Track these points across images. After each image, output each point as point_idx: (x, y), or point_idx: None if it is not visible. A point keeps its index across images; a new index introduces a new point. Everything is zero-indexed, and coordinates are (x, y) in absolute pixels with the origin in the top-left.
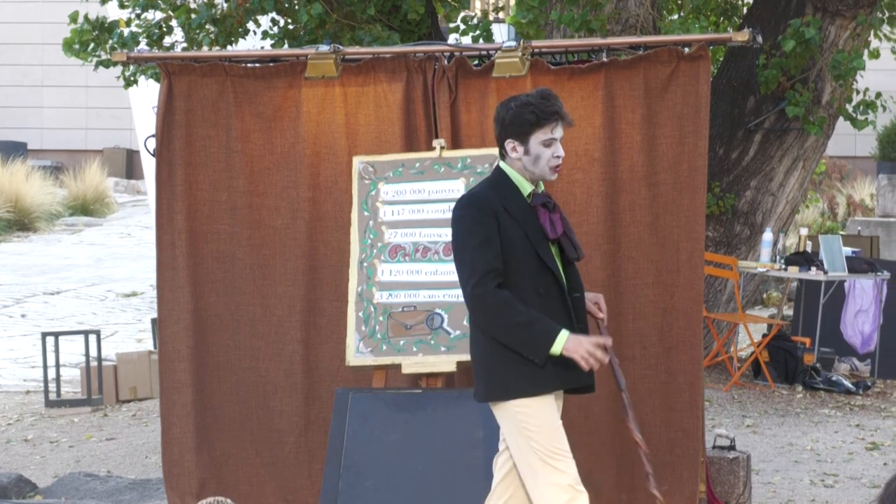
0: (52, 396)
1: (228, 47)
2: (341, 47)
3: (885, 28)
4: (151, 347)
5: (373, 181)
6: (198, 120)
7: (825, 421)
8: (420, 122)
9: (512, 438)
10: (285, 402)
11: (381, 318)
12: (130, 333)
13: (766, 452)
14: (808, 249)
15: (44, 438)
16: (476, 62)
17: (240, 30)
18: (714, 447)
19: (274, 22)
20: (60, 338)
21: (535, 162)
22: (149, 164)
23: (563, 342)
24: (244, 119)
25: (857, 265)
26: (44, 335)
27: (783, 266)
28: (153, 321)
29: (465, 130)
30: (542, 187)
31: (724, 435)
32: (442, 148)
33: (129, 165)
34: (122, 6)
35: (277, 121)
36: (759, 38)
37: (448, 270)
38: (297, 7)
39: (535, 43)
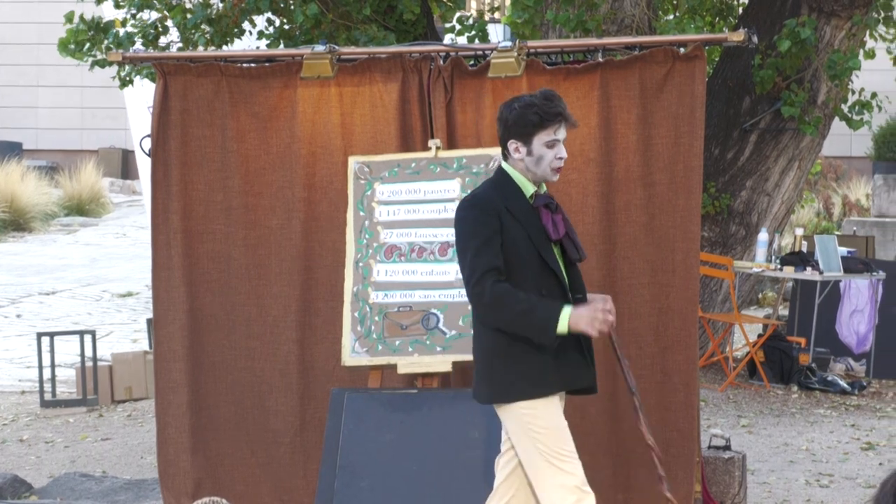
0: (48, 397)
1: (224, 47)
2: (337, 47)
3: (881, 28)
4: (147, 347)
5: (368, 181)
6: (193, 120)
7: (821, 421)
8: (416, 123)
9: (518, 440)
10: (281, 402)
11: (376, 319)
12: (126, 333)
13: (761, 452)
14: (804, 249)
15: (39, 439)
16: (472, 62)
17: (235, 30)
18: (709, 447)
19: (269, 22)
20: (56, 338)
21: (537, 163)
22: (144, 165)
23: (567, 319)
24: (240, 119)
25: (853, 265)
26: (39, 335)
27: (779, 266)
28: (148, 321)
29: (461, 130)
30: (544, 188)
31: (719, 435)
32: (438, 148)
33: (124, 165)
34: (117, 6)
35: (273, 121)
36: (755, 39)
37: (444, 271)
38: (292, 7)
39: (530, 43)
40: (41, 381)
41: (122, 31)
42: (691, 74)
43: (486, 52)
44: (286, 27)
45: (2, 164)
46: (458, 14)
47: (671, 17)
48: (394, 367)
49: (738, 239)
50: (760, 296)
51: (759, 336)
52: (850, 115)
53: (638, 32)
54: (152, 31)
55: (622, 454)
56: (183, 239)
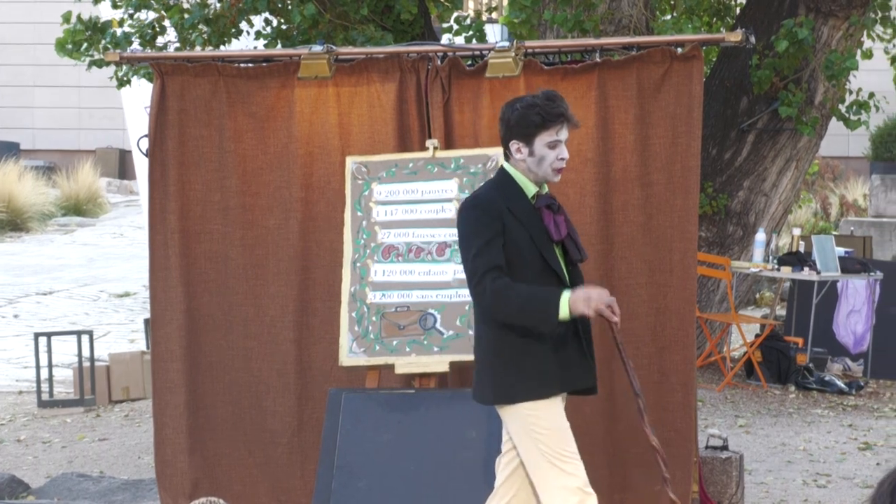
0: (45, 397)
1: (221, 47)
2: (334, 47)
3: (878, 28)
4: (144, 348)
5: (366, 181)
6: (190, 120)
7: (818, 421)
8: (413, 123)
9: (520, 441)
10: (278, 402)
11: (374, 319)
12: (123, 334)
13: (758, 452)
14: (801, 249)
15: (36, 439)
16: (469, 62)
17: (233, 30)
18: (707, 447)
19: (267, 22)
20: (53, 338)
21: (539, 163)
22: (141, 165)
23: (567, 304)
24: (237, 119)
25: (850, 265)
26: (36, 335)
27: (776, 266)
28: (146, 321)
29: (459, 131)
30: (546, 188)
31: (716, 435)
32: (435, 148)
33: (121, 166)
34: (114, 6)
35: (270, 121)
36: (752, 39)
37: (441, 271)
38: (290, 7)
39: (528, 43)
40: (38, 382)
41: (119, 31)
42: (689, 74)
43: (484, 52)
44: (283, 27)
45: None
46: (455, 14)
47: (669, 17)
48: (391, 367)
49: (736, 239)
50: (758, 296)
51: (757, 336)
52: (847, 116)
53: (635, 32)
54: (149, 31)
55: (618, 454)
56: (180, 239)
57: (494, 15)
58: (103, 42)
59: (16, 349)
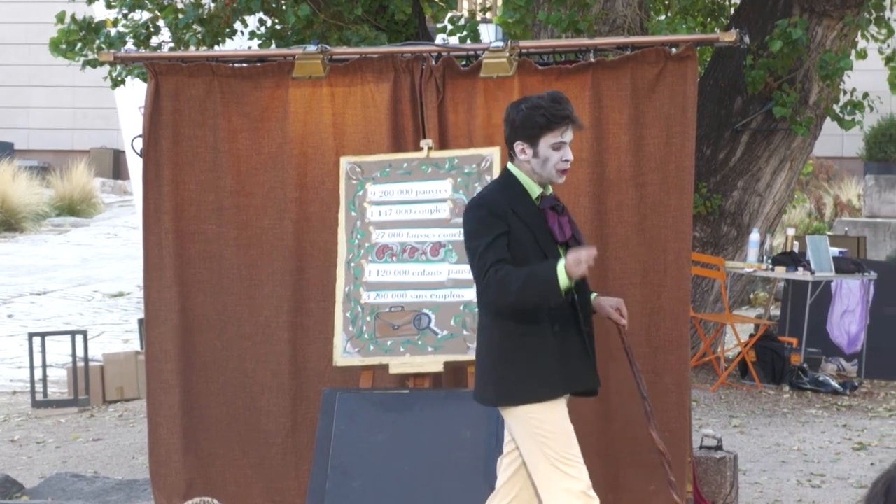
0: (39, 397)
1: (216, 47)
2: (329, 47)
3: (872, 28)
4: (138, 348)
5: (360, 181)
6: (185, 120)
7: (812, 421)
8: (407, 123)
9: (524, 443)
10: (272, 402)
11: (368, 319)
12: (117, 334)
13: (753, 452)
14: (795, 250)
15: (30, 439)
16: (463, 62)
17: (227, 30)
18: (701, 447)
19: (261, 22)
20: (47, 338)
21: (543, 164)
22: (135, 165)
23: (564, 272)
24: (231, 119)
25: (844, 265)
26: (30, 335)
27: (770, 266)
28: (140, 321)
29: (453, 131)
30: (550, 189)
31: (711, 435)
32: (429, 148)
33: (115, 166)
34: (108, 6)
35: (265, 121)
36: (747, 39)
37: (435, 271)
38: (284, 7)
39: (522, 43)
40: (32, 382)
41: (113, 31)
42: (683, 75)
43: (478, 52)
44: (278, 27)
45: None
46: (449, 14)
47: (663, 17)
48: (385, 367)
49: (730, 239)
50: (752, 296)
51: (751, 336)
52: (841, 116)
53: (630, 33)
54: (144, 31)
55: (612, 454)
56: (174, 239)
57: (489, 15)
58: (97, 42)
59: (10, 349)
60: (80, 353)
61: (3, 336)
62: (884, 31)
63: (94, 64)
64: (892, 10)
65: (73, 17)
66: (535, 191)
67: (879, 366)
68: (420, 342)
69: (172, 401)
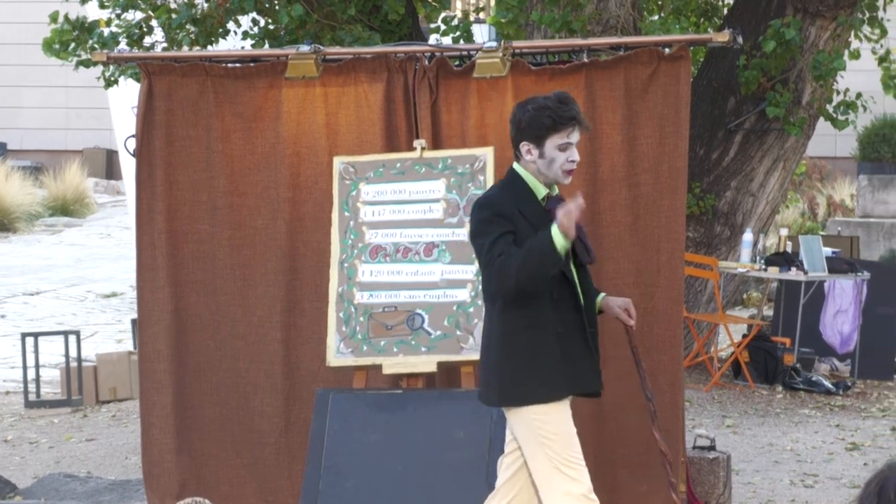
0: (32, 397)
1: (209, 47)
2: (322, 47)
3: (866, 28)
4: (131, 348)
5: (353, 181)
6: (178, 120)
7: (805, 421)
8: (401, 123)
9: (526, 444)
10: (266, 402)
11: (361, 319)
12: (110, 334)
13: (746, 453)
14: (789, 250)
15: (23, 439)
16: (457, 63)
17: (220, 30)
18: (694, 447)
19: (254, 22)
20: (40, 338)
21: (549, 165)
22: (128, 165)
23: (558, 234)
24: (224, 119)
25: (838, 265)
26: (23, 336)
27: (763, 266)
28: (133, 322)
29: (446, 131)
30: (556, 190)
31: (704, 435)
32: (423, 148)
33: (108, 166)
34: (102, 6)
35: (258, 121)
36: (740, 39)
37: (429, 271)
38: (277, 7)
39: (515, 43)
40: (25, 382)
41: (106, 31)
42: (676, 75)
43: (472, 52)
44: (271, 27)
45: None
46: (442, 14)
47: (656, 17)
48: (379, 367)
49: (723, 239)
50: (745, 296)
51: (744, 336)
52: (835, 116)
53: (623, 33)
54: (137, 31)
55: (605, 455)
56: (167, 239)
57: (482, 15)
58: (90, 42)
59: (3, 349)
60: (73, 353)
61: None
62: (877, 31)
63: (87, 64)
64: (885, 10)
65: (66, 17)
66: (540, 191)
67: (872, 366)
68: (413, 342)
69: (165, 401)
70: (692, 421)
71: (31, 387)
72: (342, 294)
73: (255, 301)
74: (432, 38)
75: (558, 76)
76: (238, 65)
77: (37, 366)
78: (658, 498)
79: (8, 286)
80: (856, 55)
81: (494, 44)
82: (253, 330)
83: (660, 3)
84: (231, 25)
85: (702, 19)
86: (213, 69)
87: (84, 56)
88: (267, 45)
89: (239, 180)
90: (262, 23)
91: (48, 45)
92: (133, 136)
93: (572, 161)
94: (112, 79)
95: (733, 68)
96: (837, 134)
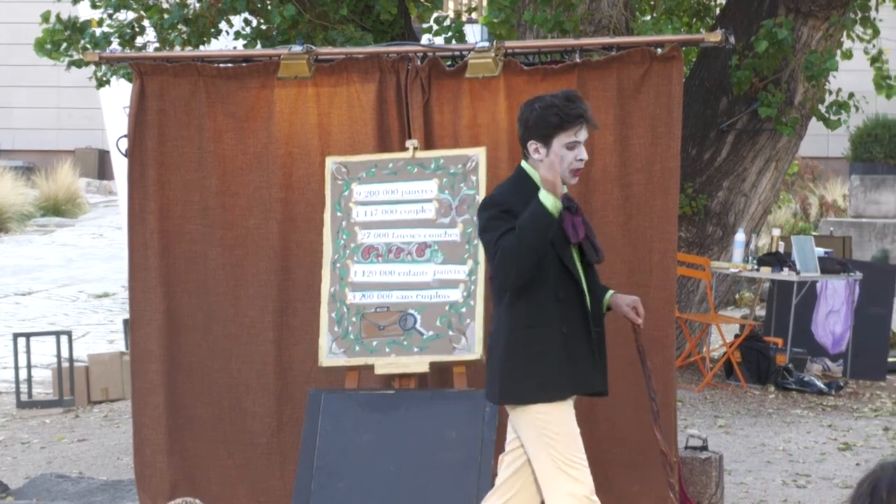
0: (24, 397)
1: (201, 47)
2: (314, 47)
3: (858, 29)
4: (123, 348)
5: (346, 182)
6: (170, 120)
7: (797, 421)
8: (393, 123)
9: (530, 443)
10: (258, 403)
11: (353, 319)
12: (102, 334)
13: (738, 453)
14: (781, 250)
15: (15, 439)
16: (449, 63)
17: (212, 30)
18: (686, 447)
19: (246, 22)
20: (32, 339)
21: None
22: (120, 165)
23: (544, 194)
24: (217, 119)
25: (830, 266)
26: (15, 336)
27: (755, 266)
28: (125, 322)
29: (439, 131)
30: (564, 189)
31: (696, 435)
32: (415, 148)
33: (100, 166)
34: (94, 6)
35: (250, 121)
36: (732, 39)
37: (421, 271)
38: (269, 7)
39: (508, 43)
40: (17, 382)
41: (98, 31)
42: (668, 75)
43: (464, 52)
44: (263, 27)
45: None
46: (435, 14)
47: (648, 17)
48: (371, 367)
49: (715, 239)
50: (737, 296)
51: (736, 336)
52: (827, 116)
53: (615, 33)
54: (129, 31)
55: (599, 454)
56: (160, 239)
57: (474, 15)
58: (82, 42)
59: None
60: (64, 353)
61: None
62: (869, 31)
63: (78, 64)
64: (877, 10)
65: (58, 17)
66: None
67: (864, 366)
68: (405, 342)
69: (157, 401)
70: (684, 421)
71: (23, 387)
72: (334, 294)
73: (248, 301)
74: (424, 39)
75: (550, 76)
76: (230, 65)
77: (28, 366)
78: (649, 498)
79: None
80: (848, 55)
81: (487, 44)
82: (245, 330)
83: (652, 3)
84: (223, 25)
85: (694, 19)
86: (205, 69)
87: (76, 56)
88: (259, 46)
89: (231, 180)
90: (255, 23)
91: (40, 45)
92: (125, 136)
93: (580, 160)
94: (104, 79)
95: (725, 68)
96: (830, 134)
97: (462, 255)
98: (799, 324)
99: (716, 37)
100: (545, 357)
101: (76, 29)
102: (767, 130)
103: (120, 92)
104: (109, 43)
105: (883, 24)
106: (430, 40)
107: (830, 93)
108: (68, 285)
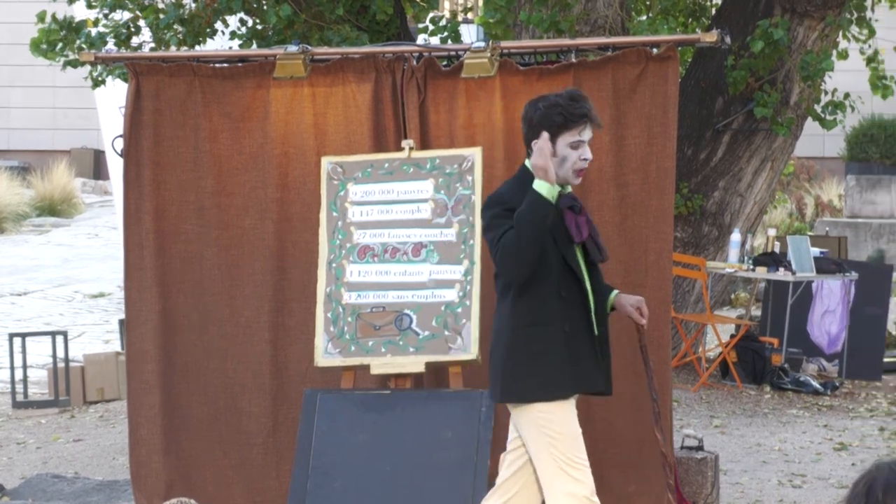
0: (20, 397)
1: (196, 47)
2: (310, 47)
3: (854, 29)
4: (119, 348)
5: (341, 182)
6: (166, 120)
7: (793, 421)
8: (389, 123)
9: (532, 443)
10: (253, 403)
11: (349, 319)
12: (98, 334)
13: (734, 453)
14: (777, 250)
15: (11, 440)
16: (445, 63)
17: (208, 30)
18: (682, 447)
19: (242, 22)
20: (28, 339)
21: (561, 164)
22: (116, 165)
23: (539, 183)
24: (212, 119)
25: (825, 266)
26: (11, 336)
27: (751, 266)
28: (120, 322)
29: (434, 131)
30: (568, 188)
31: (692, 435)
32: (411, 148)
33: (96, 166)
34: (89, 6)
35: (246, 121)
36: (728, 39)
37: (417, 271)
38: (265, 7)
39: (503, 43)
40: (13, 382)
41: (94, 31)
42: (664, 75)
43: (460, 52)
44: (259, 27)
45: None
46: (431, 14)
47: (644, 17)
48: (367, 367)
49: (711, 239)
50: (733, 296)
51: (732, 336)
52: (823, 116)
53: (611, 33)
54: (124, 31)
55: (595, 454)
56: (155, 239)
57: (470, 15)
58: (78, 42)
59: None
60: (60, 353)
61: None
62: (865, 31)
63: (74, 64)
64: (873, 10)
65: (53, 17)
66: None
67: (860, 366)
68: (401, 342)
69: (153, 401)
70: (680, 421)
71: (19, 387)
72: (330, 294)
73: (243, 301)
74: (420, 39)
75: (546, 76)
76: (226, 65)
77: (24, 366)
78: (646, 498)
79: None
80: (844, 55)
81: (482, 44)
82: (241, 330)
83: (648, 3)
84: (219, 25)
85: (690, 19)
86: (200, 69)
87: (72, 56)
88: (255, 46)
89: (227, 180)
90: (250, 23)
91: (35, 45)
92: (121, 136)
93: (584, 159)
94: (99, 79)
95: (721, 68)
96: (825, 134)
97: (458, 255)
98: (795, 324)
99: (711, 37)
100: (547, 356)
101: (72, 29)
102: (763, 130)
103: (115, 92)
104: (105, 43)
105: (879, 25)
106: (425, 40)
107: (826, 93)
108: (64, 285)
